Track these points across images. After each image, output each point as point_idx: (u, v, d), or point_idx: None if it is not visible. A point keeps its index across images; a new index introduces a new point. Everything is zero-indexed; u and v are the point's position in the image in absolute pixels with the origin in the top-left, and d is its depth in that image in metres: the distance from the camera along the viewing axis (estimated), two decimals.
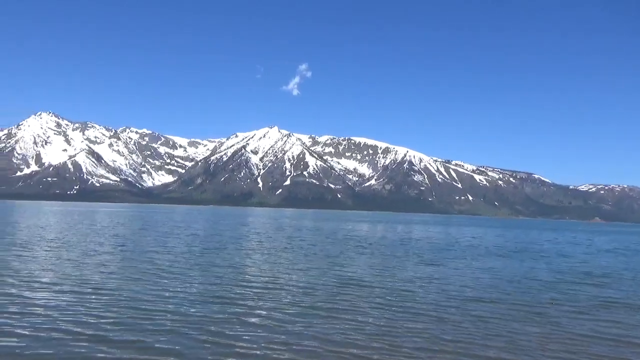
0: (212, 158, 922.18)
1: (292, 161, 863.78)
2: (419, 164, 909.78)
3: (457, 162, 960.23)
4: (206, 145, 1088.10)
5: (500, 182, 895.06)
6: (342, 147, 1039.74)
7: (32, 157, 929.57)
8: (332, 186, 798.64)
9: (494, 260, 34.77)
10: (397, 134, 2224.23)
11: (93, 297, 17.04)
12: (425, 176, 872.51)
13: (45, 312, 14.77)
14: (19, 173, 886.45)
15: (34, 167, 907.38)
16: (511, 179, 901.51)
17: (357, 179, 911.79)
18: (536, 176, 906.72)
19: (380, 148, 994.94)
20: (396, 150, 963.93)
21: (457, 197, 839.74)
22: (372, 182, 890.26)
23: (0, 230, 46.53)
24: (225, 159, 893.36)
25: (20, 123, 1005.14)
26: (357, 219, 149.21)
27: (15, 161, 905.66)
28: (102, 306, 15.68)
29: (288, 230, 65.80)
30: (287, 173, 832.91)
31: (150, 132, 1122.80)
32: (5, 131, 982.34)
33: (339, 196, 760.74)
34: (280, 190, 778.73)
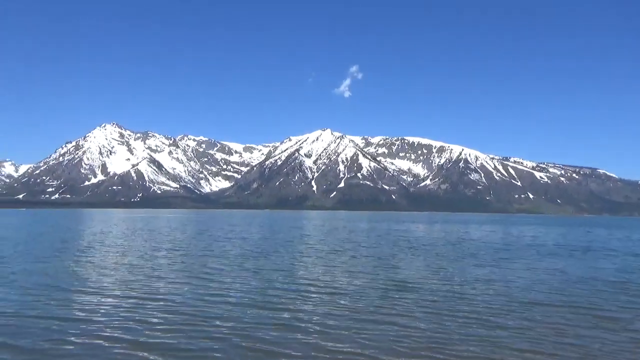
0: (267, 162, 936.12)
1: (345, 163, 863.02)
2: (475, 162, 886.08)
3: (515, 159, 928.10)
4: (261, 150, 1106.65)
5: (562, 179, 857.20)
6: (395, 148, 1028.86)
7: (99, 167, 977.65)
8: (387, 187, 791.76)
9: (559, 261, 32.36)
10: (451, 132, 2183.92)
11: (146, 302, 17.08)
12: (482, 174, 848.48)
13: (96, 317, 14.89)
14: (87, 183, 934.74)
15: (100, 177, 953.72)
16: (574, 174, 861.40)
17: (411, 179, 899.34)
18: (601, 171, 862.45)
19: (435, 147, 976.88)
20: (451, 149, 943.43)
21: (517, 196, 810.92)
22: (427, 182, 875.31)
23: (71, 237, 48.19)
24: (279, 163, 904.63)
25: (87, 135, 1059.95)
26: (411, 220, 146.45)
27: (83, 171, 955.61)
28: (155, 311, 15.64)
29: (342, 233, 64.27)
30: (341, 175, 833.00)
31: (206, 139, 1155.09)
32: (74, 143, 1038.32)
33: (394, 197, 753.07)
34: (334, 192, 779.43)
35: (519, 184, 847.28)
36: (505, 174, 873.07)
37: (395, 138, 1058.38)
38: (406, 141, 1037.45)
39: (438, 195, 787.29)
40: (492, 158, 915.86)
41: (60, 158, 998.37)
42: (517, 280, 23.15)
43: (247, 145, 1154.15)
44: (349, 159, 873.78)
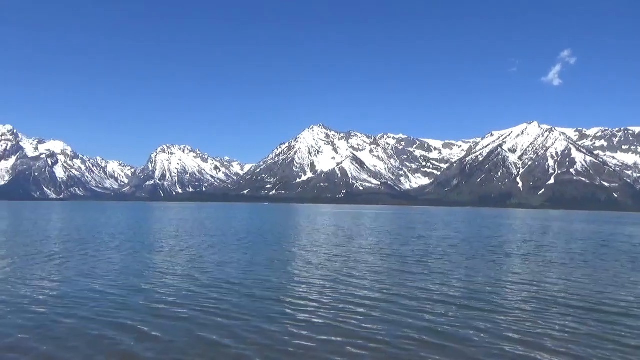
0: (467, 159, 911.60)
1: (555, 158, 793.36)
2: None
3: None
4: (461, 146, 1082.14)
5: None
6: (616, 140, 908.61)
7: (308, 166, 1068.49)
8: (606, 184, 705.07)
9: None
10: None
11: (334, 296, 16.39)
12: None
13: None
14: (298, 180, 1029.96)
15: (309, 174, 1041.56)
16: None
17: (638, 175, 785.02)
18: None
19: None
20: None
21: None
22: None
23: (283, 231, 49.91)
24: (480, 159, 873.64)
25: (298, 136, 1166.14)
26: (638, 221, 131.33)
27: (294, 170, 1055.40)
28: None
29: (561, 236, 53.76)
30: (551, 171, 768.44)
31: (405, 137, 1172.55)
32: (287, 144, 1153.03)
33: (615, 195, 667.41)
34: (542, 190, 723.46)
35: None
36: None
37: (617, 129, 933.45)
38: (630, 132, 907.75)
39: None
40: None
41: (276, 158, 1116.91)
42: None
43: (447, 141, 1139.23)
44: (559, 153, 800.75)
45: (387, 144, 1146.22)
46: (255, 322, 11.48)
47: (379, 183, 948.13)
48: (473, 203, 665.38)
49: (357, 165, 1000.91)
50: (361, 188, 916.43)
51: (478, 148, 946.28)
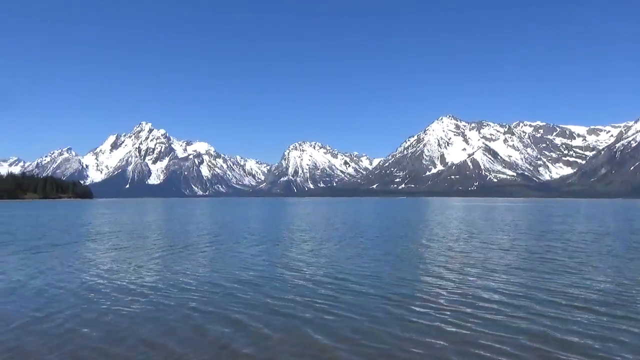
0: (618, 145, 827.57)
1: None
2: None
3: None
4: (609, 131, 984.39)
5: None
6: None
7: (437, 158, 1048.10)
8: None
9: None
10: None
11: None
12: None
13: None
14: (427, 173, 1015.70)
15: (439, 167, 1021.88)
16: None
17: None
18: None
19: None
20: None
21: None
22: None
23: (404, 226, 46.71)
24: (634, 144, 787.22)
25: (426, 128, 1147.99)
26: None
27: (424, 162, 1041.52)
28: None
29: None
30: None
31: (544, 124, 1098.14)
32: (415, 137, 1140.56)
33: None
34: None
35: None
36: None
37: None
38: None
39: None
40: None
41: (405, 151, 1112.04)
42: None
43: (592, 127, 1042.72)
44: None
45: (523, 132, 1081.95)
46: (367, 322, 10.35)
47: (514, 174, 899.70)
48: (625, 194, 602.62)
49: (490, 156, 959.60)
50: (495, 180, 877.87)
51: (630, 133, 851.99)
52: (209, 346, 8.97)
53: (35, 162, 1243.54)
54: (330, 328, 10.09)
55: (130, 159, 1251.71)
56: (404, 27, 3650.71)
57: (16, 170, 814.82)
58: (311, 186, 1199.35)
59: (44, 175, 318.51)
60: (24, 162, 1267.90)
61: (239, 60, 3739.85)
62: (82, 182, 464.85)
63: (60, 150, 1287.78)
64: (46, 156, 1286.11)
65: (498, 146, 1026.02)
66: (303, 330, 10.05)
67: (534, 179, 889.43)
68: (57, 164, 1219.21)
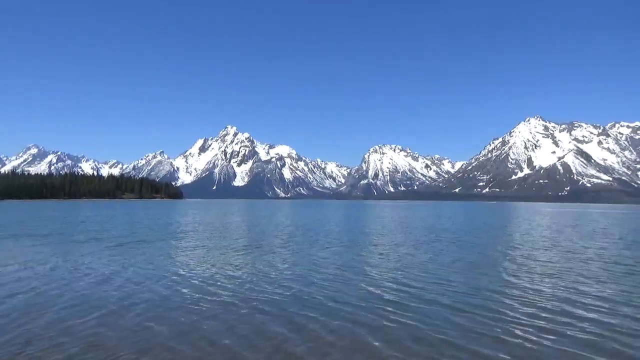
0: None
1: None
2: None
3: None
4: None
5: None
6: None
7: (524, 161, 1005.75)
8: None
9: None
10: None
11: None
12: None
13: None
14: (513, 177, 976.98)
15: (526, 171, 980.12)
16: None
17: None
18: None
19: None
20: None
21: None
22: None
23: (487, 233, 38.40)
24: None
25: (512, 130, 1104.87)
26: None
27: (509, 166, 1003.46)
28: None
29: None
30: None
31: None
32: (500, 139, 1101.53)
33: None
34: None
35: None
36: None
37: None
38: None
39: None
40: None
41: (489, 154, 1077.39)
42: None
43: None
44: None
45: (620, 133, 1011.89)
46: (428, 331, 10.10)
47: (610, 179, 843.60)
48: None
49: (582, 160, 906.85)
50: (588, 185, 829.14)
51: None
52: (264, 346, 9.08)
53: (132, 165, 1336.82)
54: (388, 335, 9.83)
55: (216, 161, 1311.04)
56: (484, 24, 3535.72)
57: (115, 172, 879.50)
58: (391, 189, 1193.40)
59: (139, 176, 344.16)
60: (122, 165, 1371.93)
61: (320, 64, 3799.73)
62: (173, 183, 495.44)
63: (154, 154, 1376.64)
64: (141, 159, 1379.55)
65: (591, 149, 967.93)
66: (359, 335, 9.80)
67: (633, 184, 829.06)
68: (151, 166, 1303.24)
